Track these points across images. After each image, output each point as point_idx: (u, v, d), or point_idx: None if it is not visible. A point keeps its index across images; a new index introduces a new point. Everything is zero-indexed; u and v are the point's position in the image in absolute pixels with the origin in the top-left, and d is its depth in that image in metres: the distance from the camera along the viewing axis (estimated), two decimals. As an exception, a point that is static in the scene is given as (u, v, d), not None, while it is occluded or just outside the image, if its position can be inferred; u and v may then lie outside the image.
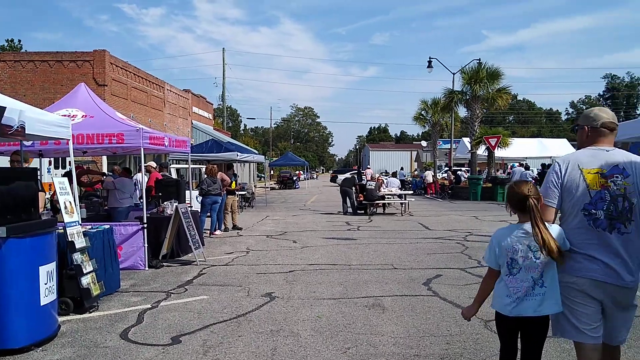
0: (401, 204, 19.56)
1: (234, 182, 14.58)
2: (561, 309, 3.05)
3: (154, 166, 13.92)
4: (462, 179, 31.89)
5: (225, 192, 13.61)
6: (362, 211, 19.07)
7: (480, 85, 29.58)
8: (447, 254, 10.06)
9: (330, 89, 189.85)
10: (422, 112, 43.68)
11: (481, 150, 30.34)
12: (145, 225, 8.79)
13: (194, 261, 9.31)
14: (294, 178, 51.22)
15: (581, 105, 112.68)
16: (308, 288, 7.33)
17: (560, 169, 3.14)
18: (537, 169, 30.18)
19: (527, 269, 3.04)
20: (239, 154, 19.94)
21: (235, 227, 14.40)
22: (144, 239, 8.73)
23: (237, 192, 16.07)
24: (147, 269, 8.72)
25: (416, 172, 50.39)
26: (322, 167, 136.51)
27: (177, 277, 8.26)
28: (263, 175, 58.60)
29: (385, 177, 22.38)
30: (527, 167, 27.21)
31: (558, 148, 38.10)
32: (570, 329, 3.07)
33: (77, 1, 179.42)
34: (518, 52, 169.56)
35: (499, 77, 30.00)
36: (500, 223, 15.78)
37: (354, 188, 19.32)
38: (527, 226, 3.04)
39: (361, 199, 18.87)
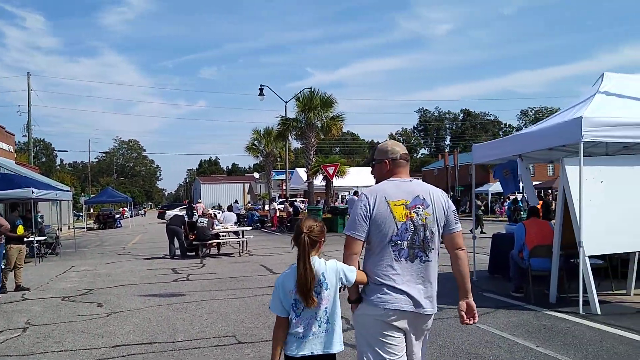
0: (238, 242, 17.09)
1: (20, 227, 11.01)
2: (342, 348, 2.90)
3: None
4: (300, 210, 30.43)
5: (2, 240, 10.13)
6: (193, 253, 16.31)
7: (315, 113, 28.57)
8: (304, 310, 7.80)
9: (158, 122, 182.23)
10: (255, 142, 42.16)
11: (318, 180, 29.16)
12: None
13: None
14: (116, 216, 46.18)
15: (399, 137, 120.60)
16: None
17: (368, 202, 3.00)
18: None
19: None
20: (34, 190, 16.05)
21: (19, 288, 10.79)
22: None
23: (27, 239, 12.33)
24: None
25: (250, 205, 48.51)
26: (150, 203, 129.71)
27: None
28: (82, 214, 52.42)
29: (220, 212, 19.81)
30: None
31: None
32: None
33: None
34: (339, 89, 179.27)
35: (332, 104, 29.29)
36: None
37: (183, 226, 16.52)
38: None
39: (192, 238, 16.10)
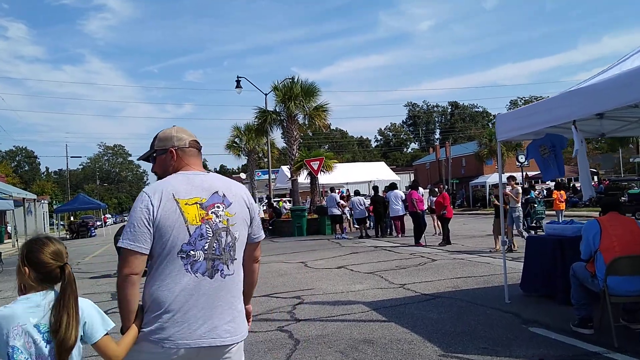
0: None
1: None
2: None
3: None
4: (284, 211, 27.73)
5: None
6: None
7: (296, 103, 25.85)
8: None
9: (144, 127, 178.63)
10: (236, 140, 39.47)
11: (302, 177, 26.44)
12: None
13: None
14: (92, 224, 43.25)
15: (388, 132, 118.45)
16: None
17: (151, 202, 2.36)
18: (368, 195, 26.98)
19: (38, 357, 2.15)
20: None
21: None
22: None
23: None
24: None
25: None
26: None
27: None
28: (63, 223, 49.41)
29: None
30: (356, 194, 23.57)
31: (378, 171, 35.87)
32: None
33: None
34: (326, 87, 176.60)
35: (315, 94, 26.59)
36: (337, 271, 11.55)
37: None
38: (37, 297, 2.20)
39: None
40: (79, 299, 2.25)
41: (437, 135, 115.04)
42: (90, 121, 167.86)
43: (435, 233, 18.06)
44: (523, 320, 6.26)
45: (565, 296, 6.24)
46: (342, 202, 20.69)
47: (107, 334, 2.28)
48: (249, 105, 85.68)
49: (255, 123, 29.77)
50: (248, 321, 2.69)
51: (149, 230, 2.33)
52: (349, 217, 21.82)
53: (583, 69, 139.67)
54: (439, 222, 16.59)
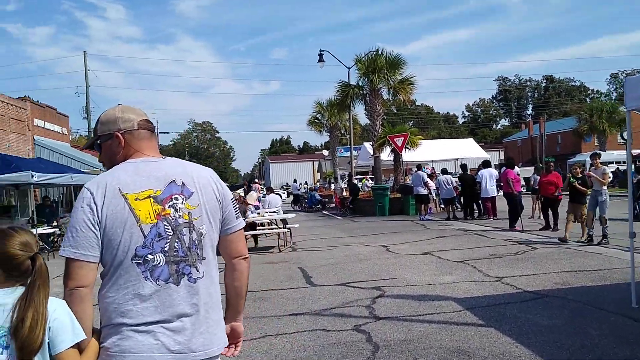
0: (279, 233, 13.52)
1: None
2: None
3: None
4: (366, 188, 26.77)
5: None
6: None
7: (380, 76, 24.60)
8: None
9: (232, 104, 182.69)
10: (318, 116, 38.83)
11: (385, 155, 25.27)
12: None
13: None
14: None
15: (476, 108, 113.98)
16: None
17: (94, 199, 1.99)
18: (456, 173, 25.42)
19: None
20: (35, 174, 13.21)
21: None
22: None
23: None
24: None
25: (319, 184, 45.61)
26: (226, 184, 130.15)
27: None
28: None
29: (261, 194, 16.40)
30: (443, 172, 22.11)
31: (466, 148, 33.92)
32: None
33: None
34: (412, 62, 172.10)
35: (400, 66, 25.18)
36: (423, 258, 10.45)
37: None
38: (1, 295, 1.87)
39: (220, 230, 12.78)
40: (52, 298, 1.92)
41: (530, 111, 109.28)
42: (180, 98, 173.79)
43: (532, 216, 16.46)
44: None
45: None
46: (429, 181, 19.39)
47: (74, 346, 1.90)
48: (332, 81, 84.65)
49: (337, 98, 28.82)
50: (237, 344, 2.32)
51: (94, 233, 1.97)
52: (434, 197, 20.53)
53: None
54: (539, 205, 14.90)
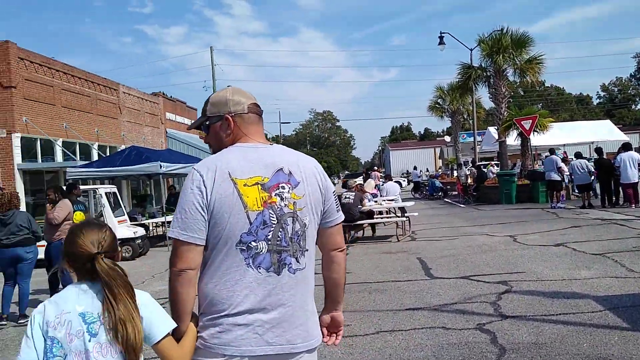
0: (397, 222, 13.10)
1: (78, 213, 8.31)
2: None
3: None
4: (491, 175, 25.49)
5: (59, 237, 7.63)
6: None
7: (505, 56, 23.20)
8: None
9: (351, 92, 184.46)
10: (439, 101, 37.68)
11: (511, 139, 23.85)
12: None
13: None
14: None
15: (613, 87, 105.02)
16: None
17: (203, 182, 1.97)
18: (591, 158, 23.39)
19: (76, 354, 1.84)
20: (164, 164, 13.93)
21: None
22: None
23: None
24: None
25: (441, 171, 44.40)
26: (346, 172, 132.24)
27: None
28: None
29: (379, 182, 16.07)
30: (577, 157, 20.37)
31: (602, 130, 31.10)
32: None
33: (99, 25, 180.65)
34: (540, 40, 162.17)
35: (527, 44, 23.59)
36: (555, 250, 9.57)
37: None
38: (85, 283, 1.94)
39: (337, 218, 12.62)
40: (138, 290, 1.98)
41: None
42: (301, 89, 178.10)
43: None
44: None
45: None
46: (563, 165, 17.93)
47: (169, 334, 1.94)
48: (453, 65, 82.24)
49: (458, 81, 27.70)
50: (337, 333, 2.29)
51: (202, 216, 1.95)
52: (567, 184, 18.99)
53: None
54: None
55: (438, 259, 9.20)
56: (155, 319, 1.95)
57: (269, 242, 2.00)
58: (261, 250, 1.99)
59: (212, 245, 2.00)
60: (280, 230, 2.02)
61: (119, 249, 2.10)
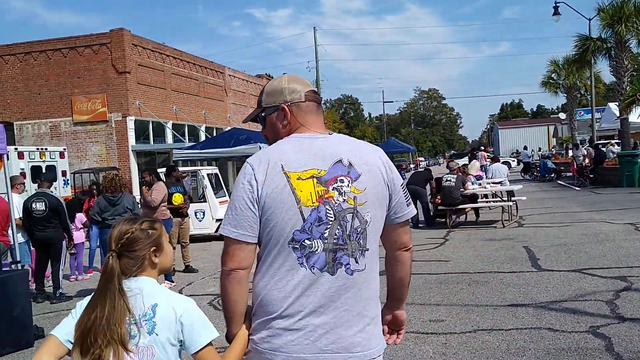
0: (503, 206, 12.32)
1: (177, 195, 8.46)
2: None
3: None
4: (611, 155, 23.61)
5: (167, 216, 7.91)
6: (444, 219, 12.30)
7: (628, 25, 21.23)
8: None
9: (457, 70, 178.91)
10: (553, 76, 35.34)
11: (635, 116, 21.89)
12: None
13: None
14: (402, 167, 44.48)
15: None
16: None
17: (255, 175, 1.87)
18: None
19: None
20: (262, 145, 14.07)
21: (188, 269, 8.84)
22: None
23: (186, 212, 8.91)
24: None
25: (554, 151, 42.01)
26: (452, 151, 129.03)
27: None
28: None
29: (486, 163, 15.26)
30: None
31: None
32: None
33: (210, 12, 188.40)
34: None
35: (654, 11, 21.36)
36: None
37: (428, 186, 12.69)
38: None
39: (438, 201, 12.12)
40: (181, 296, 1.98)
41: None
42: (406, 67, 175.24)
43: None
44: None
45: None
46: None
47: (210, 344, 1.91)
48: (568, 37, 76.68)
49: (575, 54, 25.75)
50: (399, 332, 2.18)
51: (253, 212, 1.86)
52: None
53: None
54: None
55: (547, 248, 8.51)
56: (195, 328, 1.90)
57: (325, 241, 1.86)
58: (316, 250, 1.86)
59: (264, 243, 1.91)
60: (338, 227, 1.87)
61: (162, 244, 1.99)
